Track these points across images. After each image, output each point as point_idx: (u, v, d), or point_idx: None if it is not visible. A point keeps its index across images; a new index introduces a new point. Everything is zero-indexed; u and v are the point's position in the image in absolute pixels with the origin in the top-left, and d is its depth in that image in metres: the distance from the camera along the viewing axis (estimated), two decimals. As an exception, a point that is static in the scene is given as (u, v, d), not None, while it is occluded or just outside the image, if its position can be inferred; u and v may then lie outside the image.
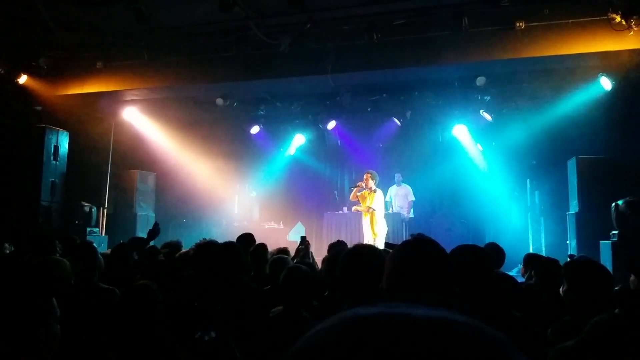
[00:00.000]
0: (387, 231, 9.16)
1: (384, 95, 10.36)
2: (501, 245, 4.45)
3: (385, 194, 10.30)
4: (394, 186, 11.30)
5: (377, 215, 8.84)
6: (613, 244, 6.76)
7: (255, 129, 11.87)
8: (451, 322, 0.47)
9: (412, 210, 11.20)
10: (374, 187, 8.94)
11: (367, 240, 8.72)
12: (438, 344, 0.44)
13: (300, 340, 0.48)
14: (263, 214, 12.69)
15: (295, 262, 4.30)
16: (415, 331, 0.45)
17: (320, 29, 7.49)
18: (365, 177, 9.03)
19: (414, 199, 11.14)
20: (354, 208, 9.64)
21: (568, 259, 5.28)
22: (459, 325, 0.47)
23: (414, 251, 1.45)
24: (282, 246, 4.85)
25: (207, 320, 2.48)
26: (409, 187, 11.25)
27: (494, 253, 4.33)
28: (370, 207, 8.85)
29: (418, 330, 0.45)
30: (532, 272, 3.80)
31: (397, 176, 11.38)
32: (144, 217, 10.49)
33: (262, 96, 10.80)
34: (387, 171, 11.70)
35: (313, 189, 13.14)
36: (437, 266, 1.40)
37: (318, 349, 0.45)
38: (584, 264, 2.71)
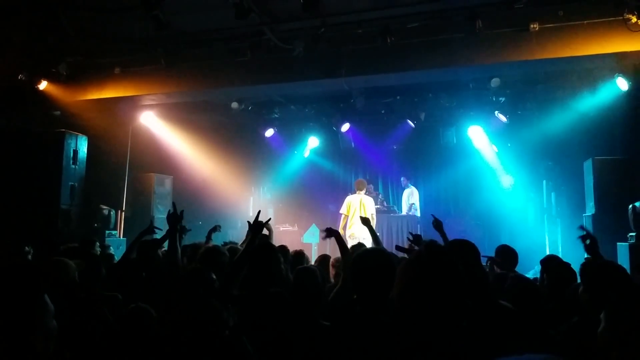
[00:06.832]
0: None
1: (398, 97, 10.38)
2: (517, 247, 4.45)
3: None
4: (405, 189, 11.43)
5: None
6: (630, 245, 6.70)
7: (269, 132, 11.96)
8: None
9: (416, 211, 11.21)
10: (364, 198, 9.01)
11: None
12: None
13: None
14: (277, 216, 12.76)
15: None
16: None
17: (334, 33, 7.53)
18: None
19: (413, 202, 11.20)
20: (349, 235, 8.71)
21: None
22: None
23: (426, 265, 1.50)
24: (298, 249, 4.89)
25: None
26: (413, 189, 11.37)
27: (506, 255, 4.34)
28: (371, 215, 8.68)
29: None
30: (545, 275, 3.82)
31: (404, 180, 11.50)
32: (162, 220, 10.58)
33: (277, 100, 10.88)
34: (402, 173, 11.75)
35: (327, 191, 13.20)
36: (447, 280, 1.46)
37: None
38: (600, 266, 2.72)
